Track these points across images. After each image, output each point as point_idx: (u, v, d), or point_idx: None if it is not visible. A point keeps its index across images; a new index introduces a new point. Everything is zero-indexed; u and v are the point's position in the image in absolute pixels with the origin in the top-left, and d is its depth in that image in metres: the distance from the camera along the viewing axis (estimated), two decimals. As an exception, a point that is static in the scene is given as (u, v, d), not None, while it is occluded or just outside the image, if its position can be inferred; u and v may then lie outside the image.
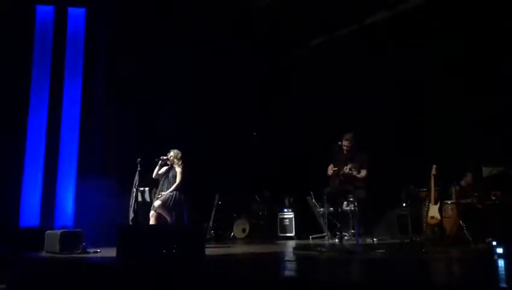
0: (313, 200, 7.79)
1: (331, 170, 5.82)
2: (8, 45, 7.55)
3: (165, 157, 6.47)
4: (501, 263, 3.71)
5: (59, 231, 5.59)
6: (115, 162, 7.56)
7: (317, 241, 7.20)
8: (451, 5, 7.13)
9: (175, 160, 6.46)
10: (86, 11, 8.12)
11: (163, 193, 6.28)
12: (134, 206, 6.08)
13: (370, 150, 6.00)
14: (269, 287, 3.09)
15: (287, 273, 3.71)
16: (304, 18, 8.54)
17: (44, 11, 8.02)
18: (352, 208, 6.09)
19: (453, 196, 6.22)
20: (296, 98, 9.17)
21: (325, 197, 6.34)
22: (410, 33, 7.58)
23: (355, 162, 5.75)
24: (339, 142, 5.88)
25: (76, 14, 8.12)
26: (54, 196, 7.62)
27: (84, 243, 5.58)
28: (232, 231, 8.83)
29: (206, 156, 8.51)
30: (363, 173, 5.72)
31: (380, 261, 4.38)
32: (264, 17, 8.67)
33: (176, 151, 6.52)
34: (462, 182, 6.43)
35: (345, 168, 5.70)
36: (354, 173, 5.70)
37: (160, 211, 6.19)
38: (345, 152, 5.90)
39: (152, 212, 6.20)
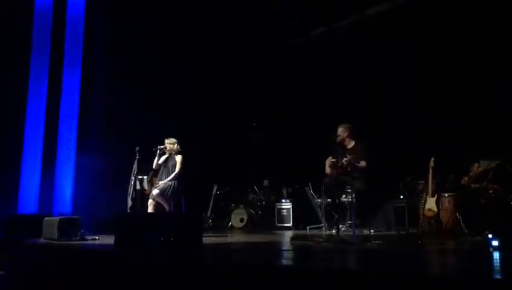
0: (311, 191, 7.82)
1: (329, 162, 5.70)
2: (7, 31, 7.50)
3: (162, 147, 6.48)
4: (496, 255, 3.73)
5: (57, 218, 5.59)
6: (114, 149, 7.55)
7: (315, 231, 7.23)
8: (451, 3, 7.11)
9: (173, 149, 6.47)
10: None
11: (161, 182, 6.30)
12: (132, 194, 6.11)
13: (368, 142, 6.00)
14: (266, 276, 3.11)
15: (284, 262, 3.73)
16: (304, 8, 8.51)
17: (44, -3, 7.95)
18: (350, 199, 6.08)
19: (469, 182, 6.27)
20: (296, 89, 9.15)
21: (323, 188, 6.31)
22: (411, 26, 7.56)
23: (354, 153, 5.58)
24: (333, 135, 5.78)
25: (76, 0, 8.06)
26: (53, 182, 7.62)
27: (82, 230, 5.58)
28: (230, 221, 8.86)
29: (205, 146, 8.51)
30: (363, 163, 5.54)
31: (376, 252, 4.40)
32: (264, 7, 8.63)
33: (171, 139, 6.52)
34: (471, 173, 6.45)
35: (344, 160, 5.48)
36: (354, 162, 5.45)
37: (158, 199, 6.21)
38: (339, 143, 5.76)
39: (150, 201, 6.23)
